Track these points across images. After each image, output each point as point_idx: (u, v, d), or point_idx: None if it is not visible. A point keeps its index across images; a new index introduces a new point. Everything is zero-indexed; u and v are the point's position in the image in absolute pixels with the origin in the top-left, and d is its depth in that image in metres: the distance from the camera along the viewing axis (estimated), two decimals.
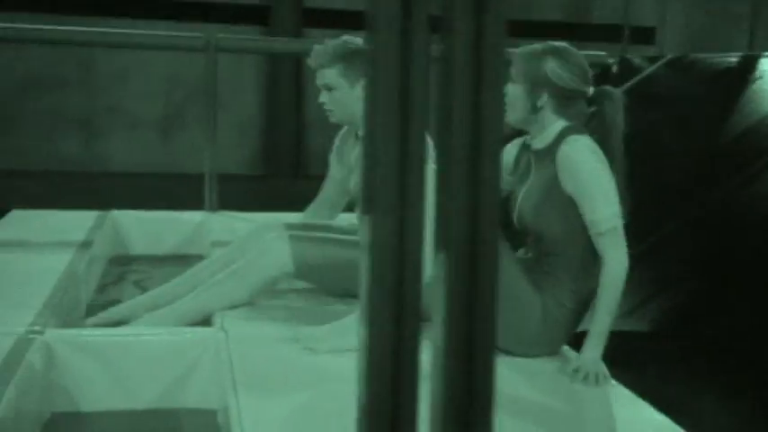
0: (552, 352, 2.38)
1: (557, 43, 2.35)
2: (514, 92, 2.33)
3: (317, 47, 2.73)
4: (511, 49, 2.35)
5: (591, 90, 2.35)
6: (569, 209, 2.27)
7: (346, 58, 2.69)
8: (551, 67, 2.29)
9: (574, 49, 2.36)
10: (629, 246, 2.25)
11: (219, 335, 2.43)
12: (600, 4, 9.97)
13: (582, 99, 2.35)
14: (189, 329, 2.50)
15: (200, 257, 4.10)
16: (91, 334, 2.46)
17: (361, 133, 2.81)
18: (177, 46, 4.70)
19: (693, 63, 4.84)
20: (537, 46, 2.35)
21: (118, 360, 2.38)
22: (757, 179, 3.72)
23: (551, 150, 2.31)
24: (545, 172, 2.33)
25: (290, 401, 2.03)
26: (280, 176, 9.10)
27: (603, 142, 2.31)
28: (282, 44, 6.34)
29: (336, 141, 3.08)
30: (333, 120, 2.80)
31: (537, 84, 2.31)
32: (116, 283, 3.61)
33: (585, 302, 2.36)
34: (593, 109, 2.38)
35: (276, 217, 3.48)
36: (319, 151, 9.92)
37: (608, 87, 2.41)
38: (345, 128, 3.01)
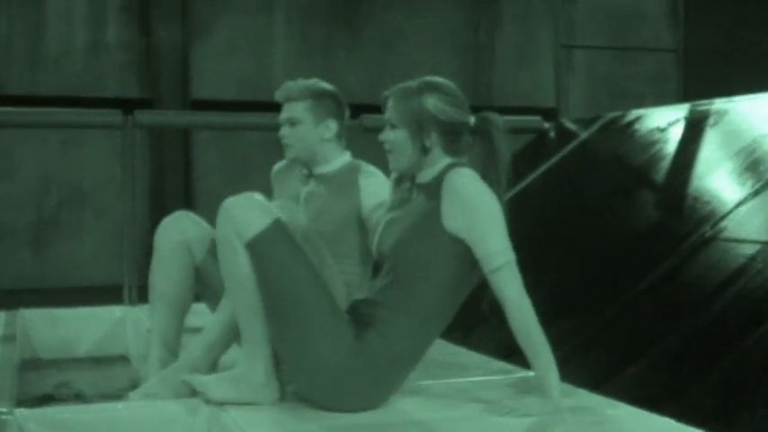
0: (371, 405, 2.14)
1: (428, 78, 2.24)
2: (398, 137, 2.19)
3: (288, 82, 2.73)
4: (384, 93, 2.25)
5: (472, 119, 2.23)
6: (438, 245, 2.12)
7: (316, 95, 2.70)
8: (433, 102, 2.16)
9: (445, 80, 2.24)
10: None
11: (207, 405, 2.23)
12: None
13: (466, 130, 2.22)
14: (171, 402, 2.29)
15: (122, 357, 3.82)
16: (62, 411, 2.25)
17: (316, 171, 2.74)
18: (94, 124, 4.67)
19: (631, 122, 4.78)
20: (410, 83, 2.22)
21: None
22: (701, 250, 3.56)
23: (435, 183, 2.18)
24: (423, 203, 2.19)
25: None
26: None
27: (489, 168, 2.19)
28: (201, 117, 6.12)
29: (274, 172, 2.94)
30: (289, 155, 2.74)
31: (422, 123, 2.17)
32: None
33: (416, 353, 2.19)
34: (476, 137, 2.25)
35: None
36: None
37: (489, 113, 2.25)
38: (283, 162, 2.90)
